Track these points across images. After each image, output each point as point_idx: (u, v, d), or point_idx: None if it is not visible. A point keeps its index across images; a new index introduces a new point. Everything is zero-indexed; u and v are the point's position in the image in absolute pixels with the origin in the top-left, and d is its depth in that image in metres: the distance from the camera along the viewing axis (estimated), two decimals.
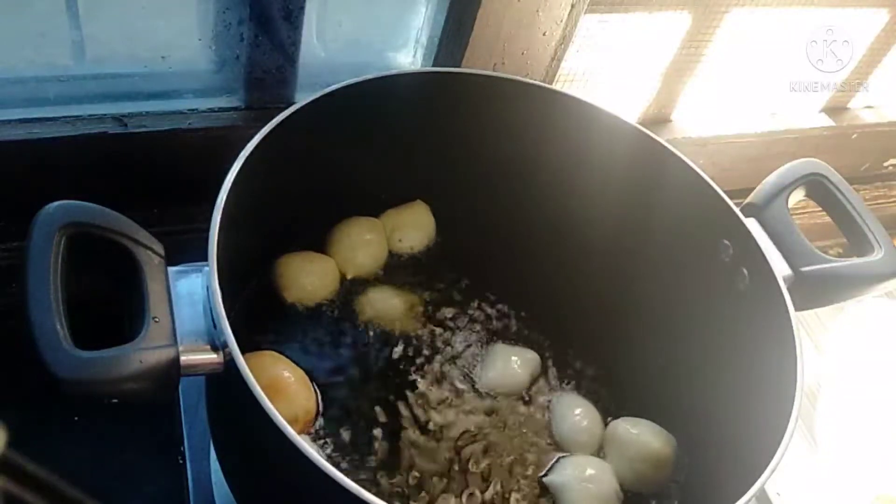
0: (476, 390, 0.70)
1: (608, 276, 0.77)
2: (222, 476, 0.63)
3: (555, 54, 0.81)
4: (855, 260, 0.67)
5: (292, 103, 0.62)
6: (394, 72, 0.76)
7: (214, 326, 0.48)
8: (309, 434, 0.63)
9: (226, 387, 0.51)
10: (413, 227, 0.78)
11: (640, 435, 0.67)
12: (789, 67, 0.97)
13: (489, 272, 0.78)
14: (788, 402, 0.54)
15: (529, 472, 0.66)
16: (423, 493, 0.62)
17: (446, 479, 0.64)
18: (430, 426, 0.66)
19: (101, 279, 0.53)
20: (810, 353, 0.96)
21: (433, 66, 0.81)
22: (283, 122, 0.60)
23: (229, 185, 0.54)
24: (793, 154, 0.74)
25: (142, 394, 0.45)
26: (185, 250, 0.55)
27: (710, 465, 0.65)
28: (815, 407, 0.91)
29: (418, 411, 0.67)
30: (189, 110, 0.75)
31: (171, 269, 0.50)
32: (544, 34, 0.78)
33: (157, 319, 0.47)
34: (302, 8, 0.70)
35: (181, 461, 0.69)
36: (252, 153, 0.57)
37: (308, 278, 0.71)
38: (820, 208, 0.71)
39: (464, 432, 0.67)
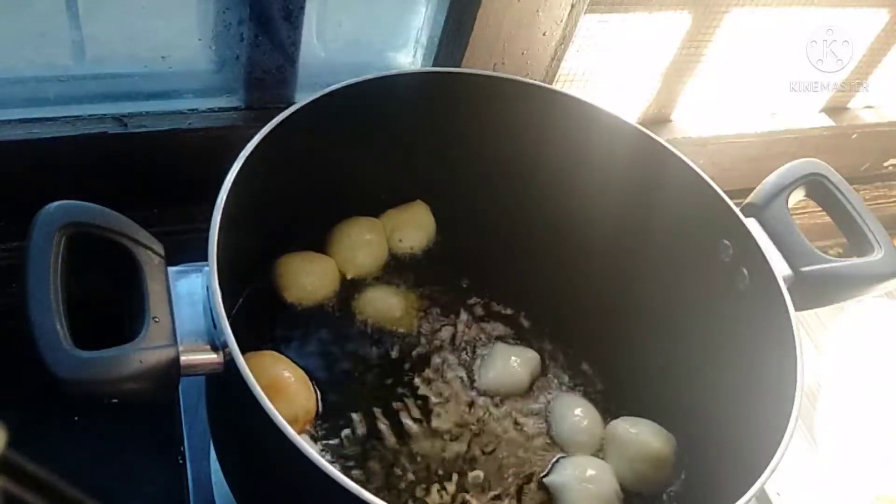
0: (476, 390, 0.70)
1: (608, 276, 0.77)
2: (222, 476, 0.63)
3: (555, 54, 0.81)
4: (855, 260, 0.67)
5: (292, 103, 0.62)
6: (394, 72, 0.76)
7: (214, 326, 0.48)
8: (309, 434, 0.63)
9: (226, 387, 0.51)
10: (413, 227, 0.78)
11: (640, 435, 0.67)
12: (789, 67, 0.97)
13: (489, 272, 0.78)
14: (788, 402, 0.54)
15: (529, 472, 0.66)
16: (422, 493, 0.62)
17: (446, 479, 0.64)
18: (430, 426, 0.66)
19: (101, 279, 0.53)
20: (810, 353, 0.96)
21: (433, 66, 0.81)
22: (283, 122, 0.60)
23: (229, 185, 0.54)
24: (793, 154, 0.74)
25: (142, 394, 0.45)
26: (185, 250, 0.55)
27: (710, 465, 0.65)
28: (815, 407, 0.91)
29: (418, 411, 0.67)
30: (189, 110, 0.75)
31: (171, 269, 0.50)
32: (544, 34, 0.78)
33: (157, 319, 0.47)
34: (302, 8, 0.70)
35: (181, 461, 0.69)
36: (252, 153, 0.57)
37: (308, 278, 0.71)
38: (820, 208, 0.71)
39: (464, 432, 0.67)
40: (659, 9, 0.85)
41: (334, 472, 0.43)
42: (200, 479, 0.67)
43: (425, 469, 0.64)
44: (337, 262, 0.73)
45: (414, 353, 0.71)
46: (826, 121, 1.08)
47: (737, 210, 0.66)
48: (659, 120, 0.99)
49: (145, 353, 0.45)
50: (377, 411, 0.66)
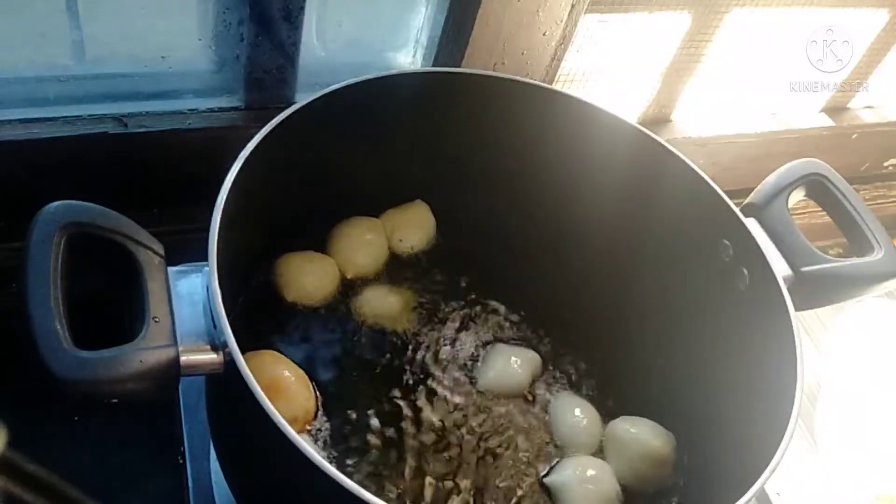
0: (476, 390, 0.70)
1: (608, 276, 0.77)
2: (222, 476, 0.63)
3: (555, 54, 0.81)
4: (855, 260, 0.67)
5: (292, 103, 0.62)
6: (394, 72, 0.76)
7: (214, 326, 0.48)
8: (309, 434, 0.63)
9: (226, 387, 0.51)
10: (413, 227, 0.78)
11: (640, 434, 0.67)
12: (789, 67, 0.97)
13: (489, 272, 0.78)
14: (788, 402, 0.54)
15: (529, 472, 0.66)
16: (422, 494, 0.62)
17: (446, 479, 0.64)
18: (430, 426, 0.66)
19: (101, 279, 0.53)
20: (810, 353, 0.96)
21: (433, 66, 0.81)
22: (283, 122, 0.60)
23: (229, 185, 0.54)
24: (793, 154, 0.74)
25: (142, 394, 0.45)
26: (185, 250, 0.55)
27: (710, 465, 0.65)
28: (815, 407, 0.91)
29: (418, 411, 0.67)
30: (189, 110, 0.75)
31: (171, 269, 0.50)
32: (544, 34, 0.78)
33: (157, 319, 0.47)
34: (302, 8, 0.70)
35: (181, 461, 0.69)
36: (252, 153, 0.57)
37: (308, 278, 0.71)
38: (820, 208, 0.71)
39: (464, 432, 0.67)
40: (659, 9, 0.85)
41: (334, 472, 0.43)
42: (200, 479, 0.67)
43: (425, 469, 0.64)
44: (337, 262, 0.73)
45: (414, 353, 0.71)
46: (826, 121, 1.08)
47: (737, 210, 0.66)
48: (659, 120, 0.99)
49: (145, 353, 0.45)
50: (377, 411, 0.66)
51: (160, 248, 0.51)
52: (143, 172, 0.75)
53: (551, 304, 0.77)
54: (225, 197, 0.53)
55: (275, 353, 0.63)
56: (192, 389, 0.69)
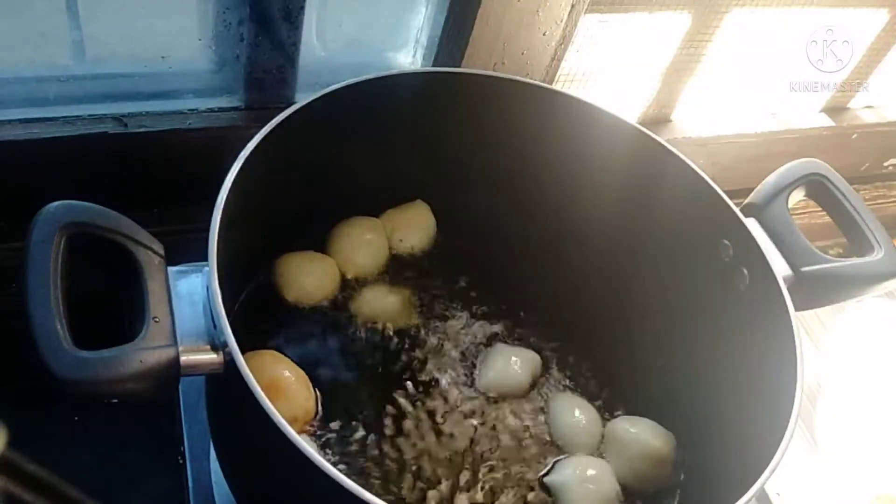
0: (476, 390, 0.70)
1: (608, 276, 0.77)
2: (222, 476, 0.63)
3: (555, 54, 0.81)
4: (855, 260, 0.67)
5: (292, 103, 0.62)
6: (394, 72, 0.76)
7: (214, 326, 0.48)
8: (309, 434, 0.63)
9: (226, 387, 0.51)
10: (413, 227, 0.78)
11: (640, 434, 0.67)
12: (789, 67, 0.97)
13: (489, 272, 0.78)
14: (788, 402, 0.54)
15: (529, 472, 0.66)
16: (422, 494, 0.62)
17: (446, 479, 0.64)
18: (430, 426, 0.66)
19: (101, 279, 0.53)
20: (810, 353, 0.96)
21: (433, 66, 0.81)
22: (283, 122, 0.60)
23: (229, 185, 0.54)
24: (793, 154, 0.74)
25: (142, 394, 0.45)
26: (185, 250, 0.55)
27: (710, 465, 0.65)
28: (815, 407, 0.91)
29: (418, 411, 0.67)
30: (189, 110, 0.75)
31: (171, 269, 0.50)
32: (544, 34, 0.78)
33: (157, 319, 0.47)
34: (302, 8, 0.70)
35: (181, 461, 0.69)
36: (252, 153, 0.57)
37: (308, 278, 0.71)
38: (820, 208, 0.71)
39: (464, 432, 0.67)
40: (659, 9, 0.85)
41: (334, 472, 0.43)
42: (200, 479, 0.67)
43: (425, 469, 0.64)
44: (337, 262, 0.73)
45: (414, 352, 0.71)
46: (826, 121, 1.08)
47: (737, 210, 0.66)
48: (659, 120, 0.99)
49: (145, 353, 0.45)
50: (377, 411, 0.66)
51: (160, 248, 0.51)
52: (143, 172, 0.75)
53: (551, 304, 0.77)
54: (225, 197, 0.53)
55: (275, 353, 0.63)
56: (192, 389, 0.69)
